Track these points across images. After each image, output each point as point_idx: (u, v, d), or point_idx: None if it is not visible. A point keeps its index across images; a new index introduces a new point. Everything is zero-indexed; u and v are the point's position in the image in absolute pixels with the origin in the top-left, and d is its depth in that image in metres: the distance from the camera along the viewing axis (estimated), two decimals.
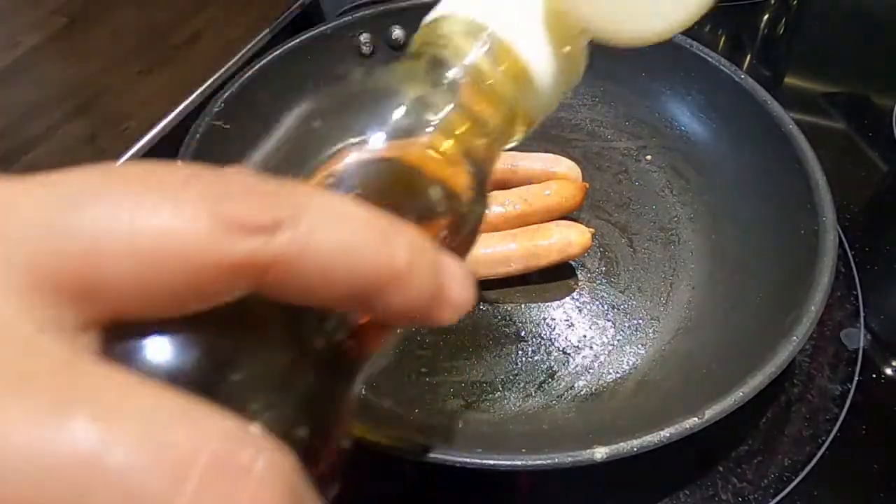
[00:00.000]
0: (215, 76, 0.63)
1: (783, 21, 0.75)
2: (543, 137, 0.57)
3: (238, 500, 0.11)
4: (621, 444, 0.34)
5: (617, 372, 0.44)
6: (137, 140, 0.61)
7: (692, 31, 0.55)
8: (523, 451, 0.34)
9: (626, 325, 0.47)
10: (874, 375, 0.44)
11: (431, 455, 0.34)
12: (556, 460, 0.34)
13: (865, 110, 0.64)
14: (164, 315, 0.14)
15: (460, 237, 0.21)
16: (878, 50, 0.70)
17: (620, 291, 0.48)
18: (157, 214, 0.13)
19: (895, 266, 0.50)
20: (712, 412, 0.35)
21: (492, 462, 0.34)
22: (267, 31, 0.68)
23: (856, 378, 0.44)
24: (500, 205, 0.48)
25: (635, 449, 0.34)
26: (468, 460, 0.34)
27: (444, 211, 0.20)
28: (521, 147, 0.52)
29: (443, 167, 0.20)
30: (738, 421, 0.42)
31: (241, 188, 0.14)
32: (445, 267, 0.17)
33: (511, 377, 0.44)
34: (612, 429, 0.35)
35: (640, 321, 0.47)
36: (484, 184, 0.22)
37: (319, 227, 0.14)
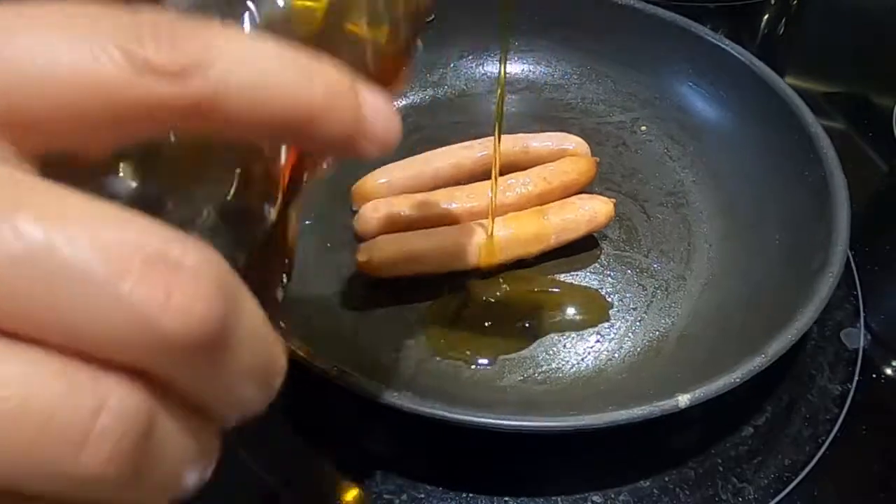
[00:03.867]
0: None
1: (783, 21, 0.75)
2: (540, 119, 0.58)
3: (171, 285, 0.13)
4: (701, 388, 0.35)
5: (657, 330, 0.46)
6: None
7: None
8: (610, 408, 0.35)
9: (656, 286, 0.48)
10: (874, 375, 0.44)
11: (511, 424, 0.35)
12: (645, 412, 0.34)
13: (865, 110, 0.64)
14: (97, 150, 0.15)
15: (383, 70, 0.22)
16: (878, 50, 0.70)
17: (644, 256, 0.50)
18: (70, 52, 0.13)
19: (895, 266, 0.50)
20: (774, 349, 0.36)
21: (583, 422, 0.34)
22: None
23: (856, 378, 0.44)
24: (521, 185, 0.49)
25: (715, 391, 0.35)
26: (561, 424, 0.35)
27: (365, 44, 0.21)
28: (527, 129, 0.53)
29: (360, 7, 0.21)
30: (738, 421, 0.42)
31: (151, 30, 0.14)
32: (366, 102, 0.17)
33: (560, 347, 0.45)
34: (670, 382, 0.36)
35: (668, 281, 0.48)
36: (413, 24, 0.23)
37: (234, 69, 0.15)
